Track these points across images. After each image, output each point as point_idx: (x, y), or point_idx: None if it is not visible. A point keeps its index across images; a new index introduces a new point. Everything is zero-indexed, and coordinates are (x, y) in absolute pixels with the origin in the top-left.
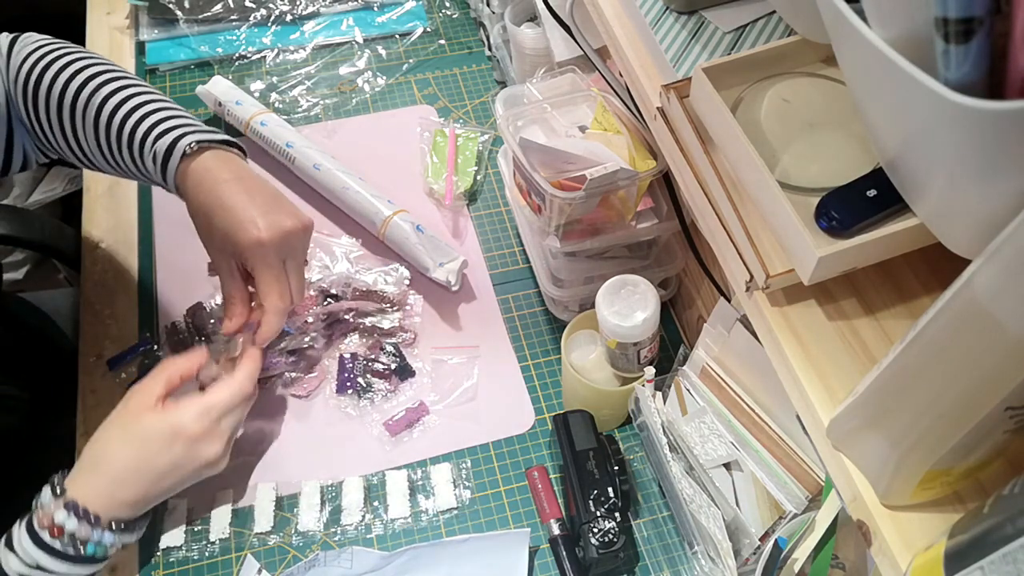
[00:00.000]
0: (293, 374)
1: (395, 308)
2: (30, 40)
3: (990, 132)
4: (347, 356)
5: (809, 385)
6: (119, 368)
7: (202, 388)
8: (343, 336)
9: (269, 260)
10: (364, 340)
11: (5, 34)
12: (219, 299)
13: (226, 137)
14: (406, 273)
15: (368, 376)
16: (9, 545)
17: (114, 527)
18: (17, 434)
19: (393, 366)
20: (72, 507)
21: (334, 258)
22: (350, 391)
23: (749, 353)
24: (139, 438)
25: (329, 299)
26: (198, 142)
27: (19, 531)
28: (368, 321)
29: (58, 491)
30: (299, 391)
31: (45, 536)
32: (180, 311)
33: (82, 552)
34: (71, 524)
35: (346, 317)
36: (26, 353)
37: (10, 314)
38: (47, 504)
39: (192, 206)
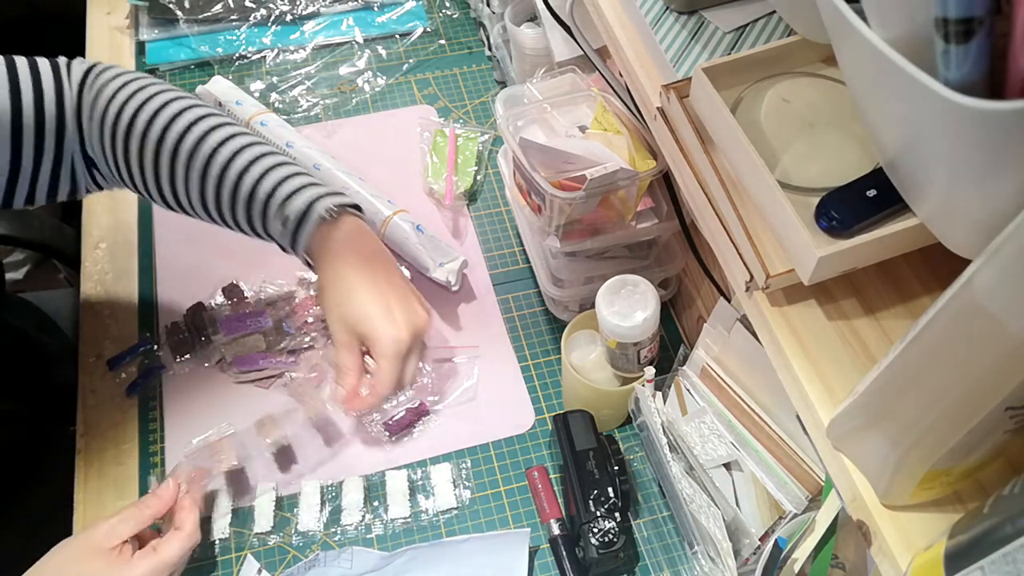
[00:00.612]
0: (294, 374)
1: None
2: (110, 73)
3: (990, 132)
4: None
5: (809, 385)
6: (119, 368)
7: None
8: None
9: (400, 354)
10: None
11: (79, 60)
12: (219, 299)
13: (353, 200)
14: (406, 273)
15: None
16: None
17: None
18: (19, 449)
19: None
20: None
21: None
22: None
23: (749, 353)
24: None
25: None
26: (336, 206)
27: None
28: None
29: None
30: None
31: None
32: (180, 311)
33: None
34: None
35: None
36: (27, 359)
37: (12, 316)
38: None
39: (326, 277)
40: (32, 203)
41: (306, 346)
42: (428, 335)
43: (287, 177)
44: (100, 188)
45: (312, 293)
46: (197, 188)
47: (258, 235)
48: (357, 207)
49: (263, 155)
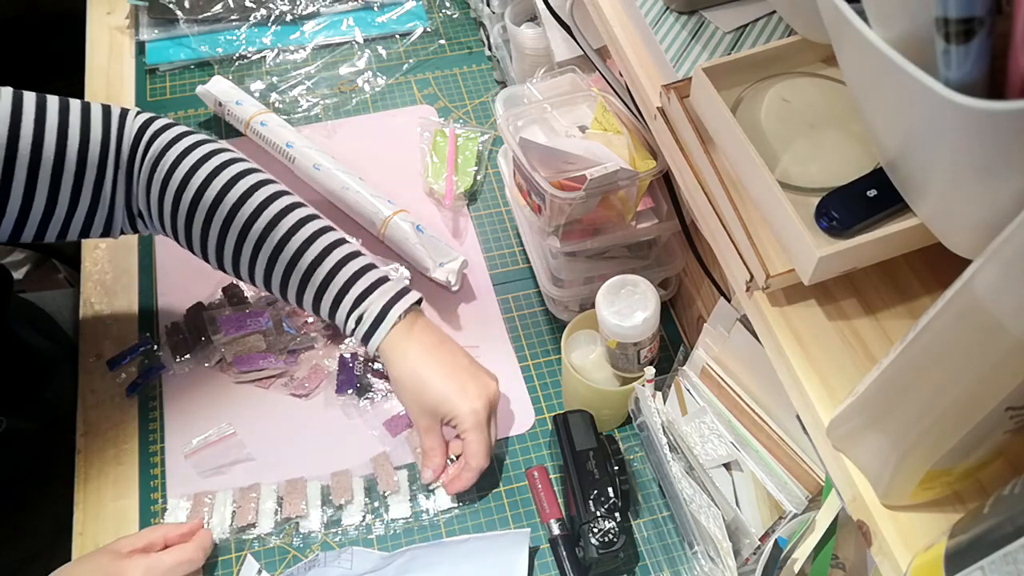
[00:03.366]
0: (294, 374)
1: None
2: (170, 132)
3: (990, 132)
4: (347, 356)
5: (809, 385)
6: (119, 368)
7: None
8: (343, 336)
9: (481, 424)
10: None
11: (134, 110)
12: (219, 298)
13: (417, 295)
14: (406, 273)
15: (368, 376)
16: None
17: None
18: (32, 465)
19: None
20: None
21: None
22: (350, 391)
23: (749, 353)
24: (88, 571)
25: None
26: (406, 311)
27: None
28: None
29: None
30: (299, 391)
31: None
32: (180, 311)
33: None
34: None
35: None
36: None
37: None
38: None
39: (399, 373)
40: (64, 239)
41: (306, 346)
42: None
43: (361, 271)
44: (137, 232)
45: None
46: (262, 262)
47: (319, 316)
48: (419, 299)
49: (336, 242)
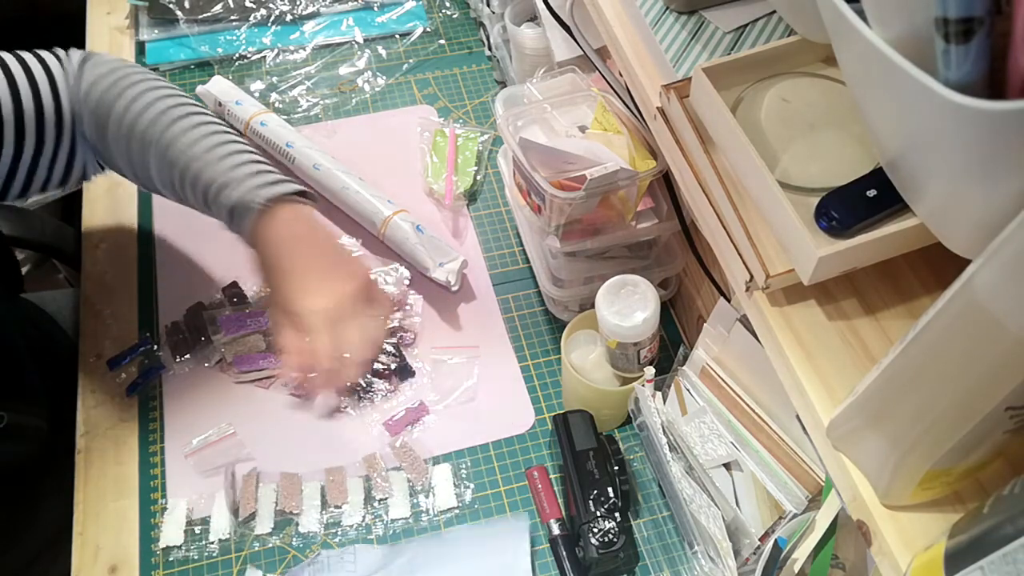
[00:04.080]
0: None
1: (395, 308)
2: (101, 61)
3: (990, 132)
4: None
5: (809, 385)
6: (119, 368)
7: None
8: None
9: (322, 325)
10: None
11: (77, 52)
12: (219, 298)
13: (296, 187)
14: (406, 273)
15: (368, 376)
16: None
17: None
18: (34, 462)
19: (393, 366)
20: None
21: None
22: (351, 391)
23: (749, 353)
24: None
25: None
26: (268, 199)
27: None
28: None
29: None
30: (299, 391)
31: None
32: (180, 311)
33: None
34: None
35: None
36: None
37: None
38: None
39: (258, 262)
40: (46, 189)
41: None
42: (373, 293)
43: (234, 168)
44: (103, 169)
45: None
46: (163, 173)
47: (208, 211)
48: (300, 192)
49: (217, 144)
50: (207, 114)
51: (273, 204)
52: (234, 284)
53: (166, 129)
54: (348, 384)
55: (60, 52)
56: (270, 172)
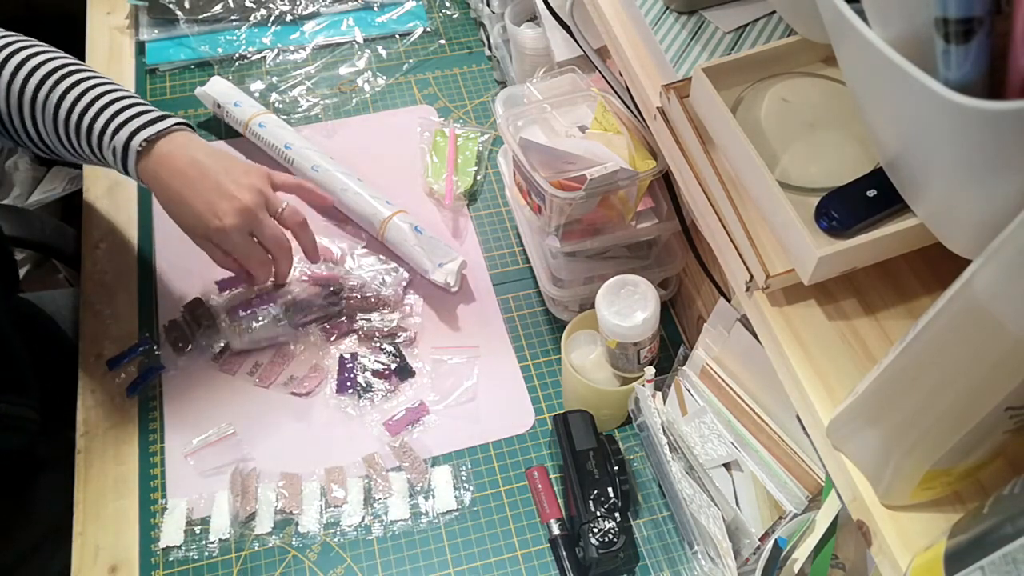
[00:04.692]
0: (293, 374)
1: (391, 310)
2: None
3: (990, 132)
4: (347, 356)
5: (809, 385)
6: (118, 368)
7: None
8: (342, 337)
9: (236, 240)
10: (364, 341)
11: None
12: (216, 297)
13: (174, 120)
14: (405, 275)
15: (368, 376)
16: None
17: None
18: (24, 454)
19: (393, 366)
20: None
21: (340, 252)
22: (350, 391)
23: (749, 353)
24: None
25: (330, 295)
26: (147, 139)
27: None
28: (366, 324)
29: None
30: (299, 390)
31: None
32: (180, 310)
33: None
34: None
35: (343, 319)
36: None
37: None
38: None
39: (157, 197)
40: None
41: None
42: (272, 182)
43: (116, 114)
44: (15, 144)
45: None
46: (54, 133)
47: (96, 158)
48: (182, 124)
49: (98, 96)
50: (86, 70)
51: (152, 142)
52: (229, 278)
53: (52, 89)
54: (286, 279)
55: None
56: (146, 112)
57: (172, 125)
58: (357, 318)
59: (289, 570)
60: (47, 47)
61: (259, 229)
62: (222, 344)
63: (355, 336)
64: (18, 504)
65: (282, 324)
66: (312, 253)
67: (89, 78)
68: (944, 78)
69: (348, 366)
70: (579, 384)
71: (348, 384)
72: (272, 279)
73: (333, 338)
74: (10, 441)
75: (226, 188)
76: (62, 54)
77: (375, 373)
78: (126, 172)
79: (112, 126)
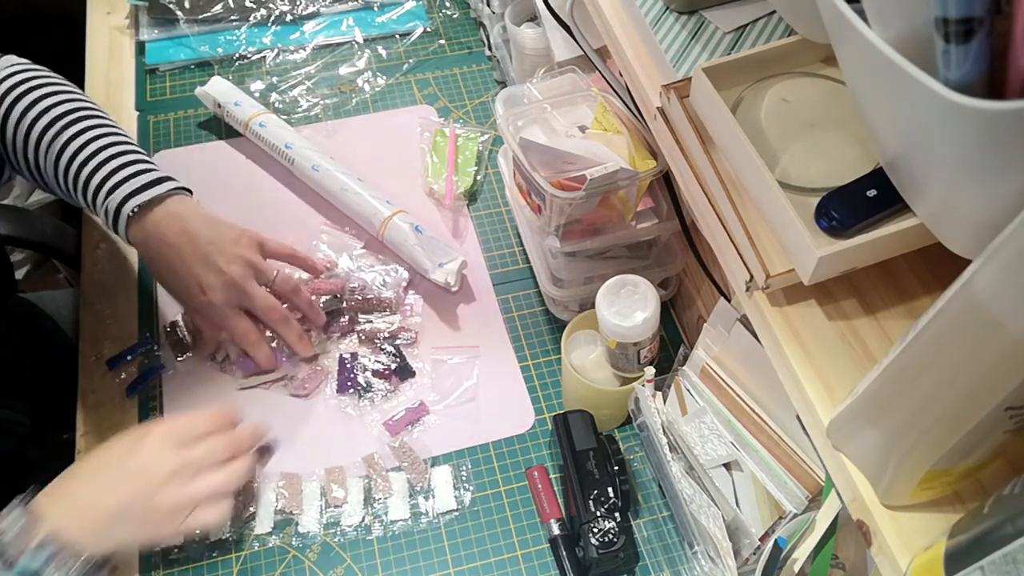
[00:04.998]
0: (294, 375)
1: (392, 311)
2: (6, 64)
3: (990, 132)
4: (347, 356)
5: (809, 385)
6: (118, 368)
7: None
8: (343, 337)
9: (225, 313)
10: (365, 342)
11: None
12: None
13: (170, 186)
14: (404, 275)
15: (368, 376)
16: None
17: (45, 543)
18: (13, 458)
19: (393, 366)
20: (26, 510)
21: (339, 253)
22: (351, 391)
23: (749, 353)
24: (102, 465)
25: (331, 300)
26: (139, 206)
27: None
28: (368, 325)
29: (22, 506)
30: (299, 391)
31: None
32: (180, 311)
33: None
34: (14, 528)
35: (344, 320)
36: (31, 362)
37: (15, 318)
38: (13, 506)
39: (148, 267)
40: None
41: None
42: (262, 250)
43: (110, 175)
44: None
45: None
46: (52, 178)
47: (94, 213)
48: (178, 189)
49: (98, 151)
50: (93, 117)
51: (145, 209)
52: None
53: (54, 139)
54: (299, 347)
55: None
56: (143, 172)
57: (167, 191)
58: (359, 319)
59: (289, 570)
60: (60, 83)
61: (249, 301)
62: (223, 355)
63: (356, 337)
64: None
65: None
66: (314, 317)
67: (95, 126)
68: (944, 78)
69: (348, 366)
70: (579, 384)
71: (348, 384)
72: (293, 351)
73: (335, 337)
74: (10, 445)
75: (213, 260)
76: (73, 93)
77: (375, 373)
78: (116, 233)
79: (107, 186)
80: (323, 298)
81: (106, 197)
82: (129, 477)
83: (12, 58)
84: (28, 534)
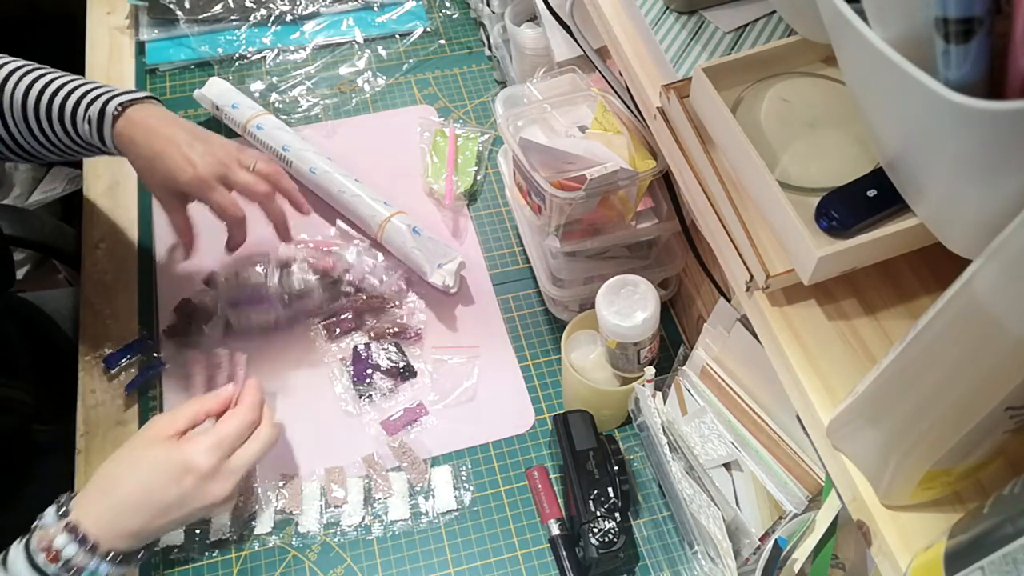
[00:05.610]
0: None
1: (395, 306)
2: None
3: (990, 132)
4: (360, 347)
5: (809, 385)
6: (115, 366)
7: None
8: (345, 334)
9: (210, 186)
10: (372, 339)
11: None
12: (211, 298)
13: (145, 93)
14: (404, 275)
15: (377, 372)
16: (4, 563)
17: (111, 557)
18: (18, 437)
19: (401, 364)
20: (73, 531)
21: (346, 246)
22: (368, 381)
23: (749, 353)
24: (149, 469)
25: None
26: (122, 104)
27: (16, 550)
28: (375, 324)
29: (62, 511)
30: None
31: (40, 559)
32: (172, 313)
33: None
34: (69, 550)
35: (346, 316)
36: (29, 353)
37: (14, 312)
38: (49, 525)
39: (131, 159)
40: None
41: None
42: (235, 156)
43: (86, 92)
44: None
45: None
46: (24, 126)
47: (85, 149)
48: (149, 97)
49: (66, 82)
50: (46, 67)
51: (127, 106)
52: (214, 272)
53: (16, 85)
54: (284, 223)
55: None
56: (115, 88)
57: (144, 96)
58: (365, 320)
59: (289, 570)
60: (46, 68)
61: (233, 176)
62: (223, 323)
63: (359, 334)
64: (15, 489)
65: (284, 310)
66: (298, 203)
67: (54, 74)
68: (944, 78)
69: (362, 357)
70: (579, 384)
71: (367, 374)
72: (276, 228)
73: (336, 335)
74: (2, 422)
75: (200, 142)
76: (57, 71)
77: (385, 371)
78: (101, 141)
79: (85, 100)
80: (318, 277)
81: (86, 109)
82: (177, 476)
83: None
84: (84, 551)
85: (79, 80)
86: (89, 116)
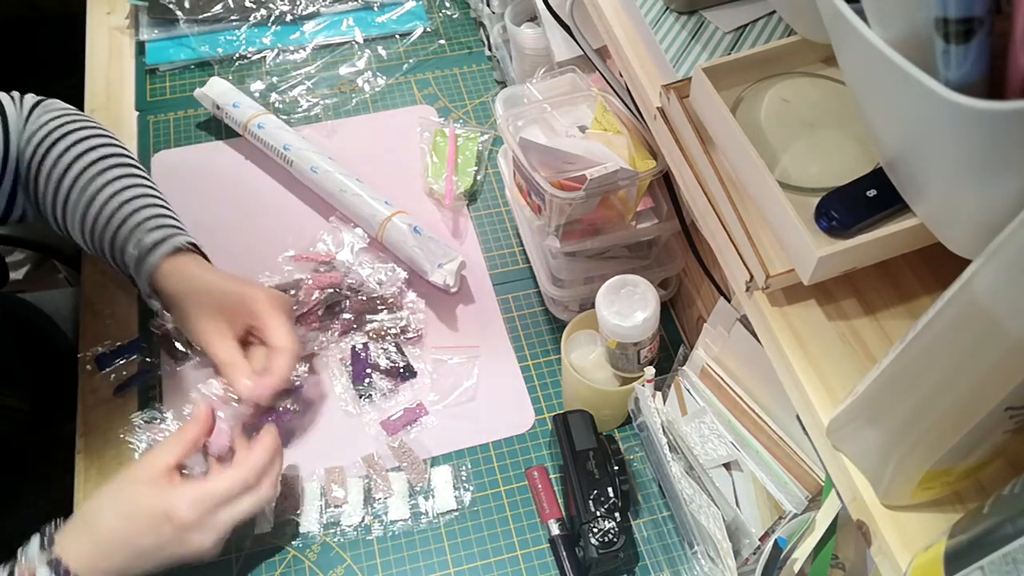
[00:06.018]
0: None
1: (396, 308)
2: (50, 108)
3: (990, 132)
4: (359, 347)
5: (809, 385)
6: (107, 367)
7: (219, 459)
8: (343, 335)
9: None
10: (372, 339)
11: (31, 96)
12: None
13: (183, 240)
14: (402, 274)
15: (376, 372)
16: None
17: None
18: (15, 443)
19: (401, 364)
20: (55, 566)
21: (340, 245)
22: (367, 381)
23: (749, 353)
24: (130, 511)
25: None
26: (161, 257)
27: None
28: (375, 324)
29: (46, 543)
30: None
31: None
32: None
33: None
34: None
35: (346, 316)
36: (27, 356)
37: (11, 315)
38: (32, 557)
39: (183, 287)
40: None
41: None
42: (266, 313)
43: (141, 222)
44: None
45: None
46: (79, 227)
47: (120, 269)
48: (191, 245)
49: (128, 200)
50: (124, 165)
51: (163, 261)
52: None
53: (84, 190)
54: (288, 386)
55: (15, 94)
56: (164, 225)
57: (183, 245)
58: (365, 319)
59: (289, 570)
60: (95, 127)
61: (251, 350)
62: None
63: (364, 335)
64: (11, 495)
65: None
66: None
67: (125, 176)
68: (944, 78)
69: (362, 356)
70: (579, 384)
71: (365, 374)
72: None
73: (336, 335)
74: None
75: (223, 312)
76: (106, 137)
77: (385, 371)
78: (139, 284)
79: (132, 239)
80: (325, 291)
81: (131, 248)
82: (156, 523)
83: (56, 103)
84: None
85: (141, 199)
86: (135, 268)
